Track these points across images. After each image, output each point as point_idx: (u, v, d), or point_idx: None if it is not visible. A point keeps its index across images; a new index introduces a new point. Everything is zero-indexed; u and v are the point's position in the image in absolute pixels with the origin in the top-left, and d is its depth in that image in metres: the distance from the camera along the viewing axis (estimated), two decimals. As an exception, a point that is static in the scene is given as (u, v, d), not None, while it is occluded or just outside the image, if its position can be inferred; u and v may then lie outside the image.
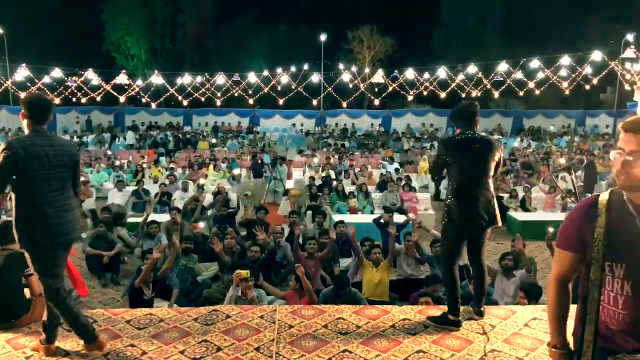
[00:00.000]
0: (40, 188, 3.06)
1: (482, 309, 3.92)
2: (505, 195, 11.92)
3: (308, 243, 6.70)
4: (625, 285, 1.88)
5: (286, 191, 12.23)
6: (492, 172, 3.74)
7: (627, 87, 21.25)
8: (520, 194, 11.96)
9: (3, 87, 23.06)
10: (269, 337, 3.58)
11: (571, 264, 2.01)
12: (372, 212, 10.99)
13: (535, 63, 21.16)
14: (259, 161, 14.88)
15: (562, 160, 15.24)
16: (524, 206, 11.61)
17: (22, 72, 22.70)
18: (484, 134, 3.96)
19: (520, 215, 10.81)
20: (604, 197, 1.92)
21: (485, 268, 3.98)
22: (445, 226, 3.79)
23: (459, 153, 3.66)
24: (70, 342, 3.44)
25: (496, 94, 23.73)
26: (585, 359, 1.88)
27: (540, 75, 21.87)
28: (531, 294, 4.99)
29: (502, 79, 22.35)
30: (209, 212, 9.27)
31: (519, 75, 21.87)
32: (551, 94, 25.94)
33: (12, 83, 23.49)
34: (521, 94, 24.04)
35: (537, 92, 22.80)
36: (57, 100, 24.57)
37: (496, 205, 3.77)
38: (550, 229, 5.96)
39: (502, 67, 21.57)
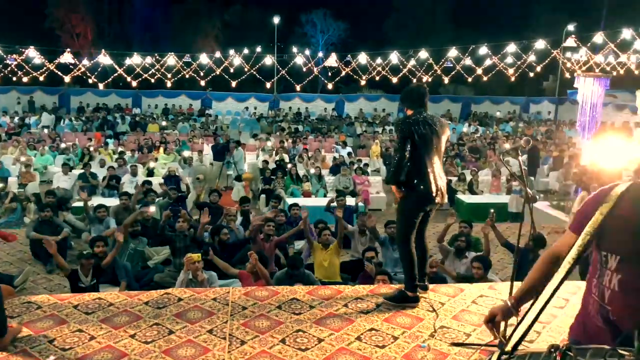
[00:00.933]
0: None
1: (426, 284, 4.08)
2: (454, 179, 12.27)
3: (267, 225, 6.71)
4: (614, 278, 1.86)
5: (239, 176, 12.12)
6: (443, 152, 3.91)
7: (567, 75, 22.14)
8: (468, 177, 12.33)
9: None
10: (222, 319, 3.56)
11: (569, 244, 1.98)
12: (325, 196, 11.09)
13: (483, 50, 21.70)
14: (220, 143, 14.34)
15: (507, 145, 15.81)
16: (472, 189, 11.99)
17: (-44, 49, 21.33)
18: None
19: (467, 198, 11.17)
20: (620, 188, 1.92)
21: (427, 246, 4.11)
22: (404, 203, 3.85)
23: (421, 132, 3.70)
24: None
25: (446, 80, 24.23)
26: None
27: (488, 62, 22.47)
28: (486, 264, 5.37)
29: (451, 65, 22.81)
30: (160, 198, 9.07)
31: (468, 61, 22.38)
32: (498, 81, 26.76)
33: (-55, 60, 22.03)
34: (470, 80, 24.63)
35: (485, 78, 23.43)
36: (-5, 79, 23.31)
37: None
38: (491, 210, 6.30)
39: (452, 53, 22.00)
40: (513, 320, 2.04)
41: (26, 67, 23.05)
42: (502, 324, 2.17)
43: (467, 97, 30.63)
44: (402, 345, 3.27)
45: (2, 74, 23.57)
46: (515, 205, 10.35)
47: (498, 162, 13.82)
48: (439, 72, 23.12)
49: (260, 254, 5.53)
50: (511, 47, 20.95)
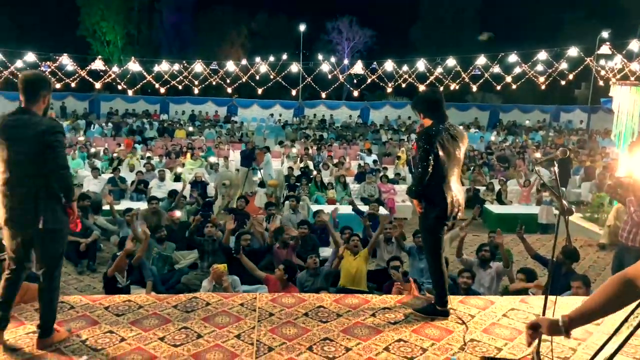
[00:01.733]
0: None
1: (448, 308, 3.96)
2: (482, 188, 12.09)
3: (285, 233, 6.74)
4: None
5: (262, 182, 12.13)
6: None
7: (601, 83, 21.66)
8: (497, 187, 12.14)
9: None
10: (249, 324, 3.56)
11: None
12: (350, 204, 11.03)
13: (512, 58, 21.39)
14: (247, 149, 14.25)
15: (538, 155, 15.55)
16: (500, 199, 11.79)
17: (-6, 57, 22.04)
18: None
19: (496, 208, 10.99)
20: None
21: (445, 259, 4.06)
22: (425, 220, 3.75)
23: (444, 145, 3.56)
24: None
25: (474, 88, 23.97)
26: None
27: (517, 69, 22.15)
28: (531, 275, 5.35)
29: (479, 72, 22.57)
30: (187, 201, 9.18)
31: (496, 69, 22.11)
32: (527, 89, 26.33)
33: (-17, 67, 22.78)
34: (498, 88, 24.31)
35: (514, 86, 23.09)
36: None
37: None
38: (520, 223, 6.20)
39: (480, 61, 21.76)
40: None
41: (59, 73, 23.68)
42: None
43: (495, 105, 30.19)
44: (431, 358, 3.22)
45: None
46: (546, 217, 10.14)
47: (527, 172, 13.59)
48: (466, 79, 22.91)
49: (289, 264, 5.53)
50: (542, 55, 20.61)
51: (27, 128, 2.98)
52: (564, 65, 21.24)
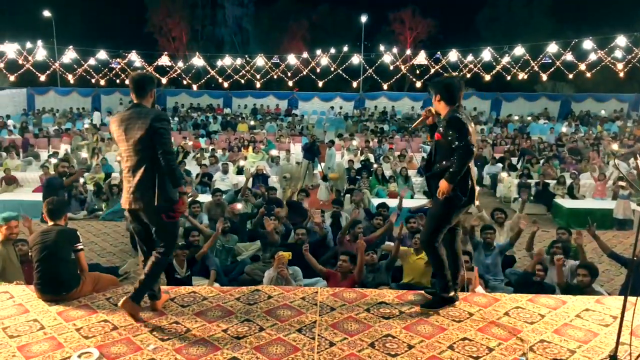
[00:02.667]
0: None
1: (457, 294, 3.85)
2: (552, 182, 11.54)
3: (357, 227, 6.65)
4: None
5: (325, 176, 12.16)
6: None
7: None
8: (568, 181, 11.55)
9: (51, 69, 23.77)
10: (311, 319, 3.55)
11: None
12: (412, 197, 10.84)
13: (587, 44, 20.13)
14: (310, 143, 14.29)
15: (615, 147, 14.63)
16: (572, 193, 11.21)
17: (69, 55, 23.33)
18: None
19: (567, 203, 10.45)
20: None
21: (460, 252, 3.95)
22: (445, 206, 3.60)
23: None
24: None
25: (544, 77, 22.82)
26: None
27: (592, 57, 20.88)
28: (593, 271, 4.97)
29: (550, 61, 21.47)
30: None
31: (568, 57, 20.93)
32: (602, 77, 24.75)
33: (60, 65, 24.18)
34: (570, 76, 23.00)
35: (588, 74, 21.78)
36: (102, 82, 25.21)
37: None
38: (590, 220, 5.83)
39: (552, 48, 20.67)
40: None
41: (128, 69, 24.77)
42: None
43: (566, 95, 28.62)
44: (498, 358, 3.08)
45: (107, 77, 25.49)
46: (623, 212, 9.54)
47: (602, 165, 12.84)
48: (536, 68, 21.87)
49: (350, 254, 5.46)
50: (620, 40, 19.30)
51: (139, 118, 3.36)
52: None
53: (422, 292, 4.09)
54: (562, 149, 15.66)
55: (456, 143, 3.46)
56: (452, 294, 3.75)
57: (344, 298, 3.90)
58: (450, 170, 3.46)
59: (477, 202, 3.70)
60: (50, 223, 4.00)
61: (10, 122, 21.57)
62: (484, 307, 3.78)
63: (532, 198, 11.17)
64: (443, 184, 3.49)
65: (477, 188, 3.67)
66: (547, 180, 11.54)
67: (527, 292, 4.43)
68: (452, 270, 3.80)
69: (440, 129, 3.61)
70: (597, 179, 11.39)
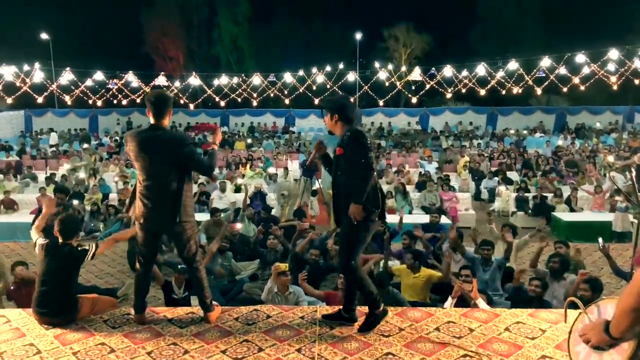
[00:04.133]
0: None
1: (353, 315, 3.75)
2: (550, 195, 11.55)
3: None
4: None
5: (314, 190, 12.07)
6: None
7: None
8: (566, 194, 11.56)
9: (49, 90, 23.86)
10: (310, 338, 3.51)
11: None
12: (410, 213, 10.83)
13: (580, 58, 20.34)
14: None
15: (611, 158, 14.67)
16: (570, 205, 11.21)
17: (67, 76, 23.46)
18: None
19: (566, 216, 10.45)
20: None
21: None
22: (361, 226, 3.46)
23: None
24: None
25: (539, 91, 22.99)
26: None
27: (586, 70, 21.07)
28: (596, 285, 4.87)
29: (544, 74, 21.65)
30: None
31: (562, 70, 21.12)
32: (597, 90, 24.94)
33: (57, 86, 24.29)
34: (565, 90, 23.19)
35: (582, 87, 21.96)
36: (99, 103, 25.32)
37: None
38: (600, 239, 5.77)
39: (545, 62, 20.86)
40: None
41: (125, 90, 24.91)
42: None
43: (561, 108, 28.79)
44: (502, 376, 3.05)
45: (104, 98, 25.61)
46: (621, 225, 9.54)
47: (599, 177, 12.87)
48: (530, 82, 22.05)
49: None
50: (613, 53, 19.50)
51: (162, 142, 3.49)
52: (637, 64, 19.98)
53: (422, 308, 4.06)
54: (559, 161, 15.69)
55: (357, 159, 3.37)
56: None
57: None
58: (356, 191, 3.37)
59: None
60: (61, 241, 3.87)
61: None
62: (484, 323, 3.76)
63: (530, 211, 11.18)
64: (353, 208, 3.37)
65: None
66: (544, 194, 11.56)
67: (524, 307, 4.41)
68: (350, 293, 3.74)
69: (342, 143, 3.49)
70: (595, 191, 11.42)
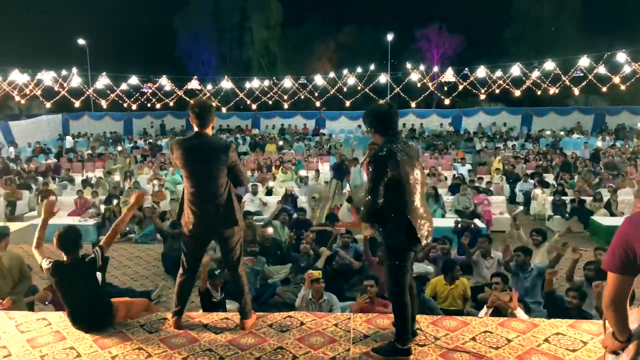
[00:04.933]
0: None
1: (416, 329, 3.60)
2: (588, 199, 11.21)
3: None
4: None
5: (350, 197, 12.02)
6: None
7: None
8: (605, 197, 11.21)
9: (85, 94, 24.53)
10: (344, 346, 3.48)
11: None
12: (443, 216, 10.68)
13: (620, 56, 19.71)
14: (339, 162, 14.22)
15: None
16: (610, 210, 10.86)
17: (102, 80, 24.08)
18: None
19: (605, 220, 10.12)
20: None
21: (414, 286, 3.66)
22: (393, 244, 3.31)
23: (401, 164, 3.19)
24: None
25: (576, 91, 22.36)
26: None
27: (627, 69, 20.41)
28: (582, 293, 4.87)
29: (582, 74, 21.07)
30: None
31: (601, 70, 20.51)
32: (638, 89, 24.08)
33: (93, 91, 24.95)
34: (604, 89, 22.48)
35: (623, 87, 21.27)
36: (133, 106, 25.89)
37: None
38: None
39: (583, 62, 20.29)
40: None
41: (159, 94, 25.40)
42: None
43: (600, 108, 27.89)
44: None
45: (139, 101, 26.17)
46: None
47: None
48: (567, 82, 21.49)
49: (375, 278, 5.34)
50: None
51: (209, 148, 3.58)
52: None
53: (457, 317, 3.99)
54: (598, 164, 15.23)
55: (367, 182, 3.27)
56: (407, 346, 3.36)
57: (378, 325, 3.82)
58: (362, 210, 3.31)
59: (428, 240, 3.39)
60: (65, 257, 3.80)
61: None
62: (522, 333, 3.65)
63: (567, 215, 10.88)
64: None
65: (427, 226, 3.34)
66: (582, 197, 11.23)
67: (561, 316, 4.28)
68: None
69: (368, 159, 3.32)
70: (636, 195, 11.03)
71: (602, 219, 10.26)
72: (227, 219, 3.63)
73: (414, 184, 3.26)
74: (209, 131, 3.68)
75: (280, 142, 23.13)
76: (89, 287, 3.74)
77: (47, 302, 5.41)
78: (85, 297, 3.74)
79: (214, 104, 3.80)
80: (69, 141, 24.24)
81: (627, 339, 1.99)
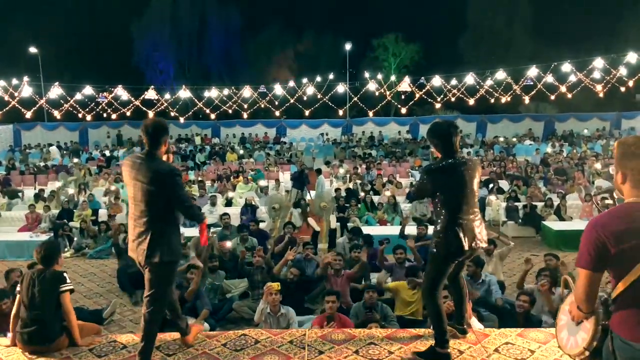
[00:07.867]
0: None
1: (465, 327, 3.86)
2: (539, 204, 11.60)
3: (334, 259, 6.62)
4: None
5: (296, 202, 11.99)
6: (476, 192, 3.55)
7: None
8: (555, 202, 11.61)
9: (38, 105, 23.72)
10: (299, 364, 3.49)
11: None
12: (401, 224, 10.80)
13: (567, 67, 20.59)
14: (298, 171, 14.17)
15: (598, 166, 14.78)
16: (559, 214, 11.26)
17: (55, 90, 23.34)
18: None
19: (555, 225, 10.49)
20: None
21: (464, 283, 3.88)
22: (439, 252, 3.46)
23: (453, 177, 3.41)
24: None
25: (526, 99, 23.20)
26: None
27: (573, 78, 21.33)
28: (533, 298, 5.16)
29: (532, 83, 21.86)
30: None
31: (549, 79, 21.36)
32: (584, 97, 25.16)
33: (46, 101, 24.17)
34: (552, 97, 23.41)
35: (570, 95, 22.19)
36: (88, 117, 25.21)
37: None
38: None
39: (532, 71, 21.08)
40: None
41: (115, 104, 24.85)
42: None
43: (550, 115, 29.00)
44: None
45: (94, 112, 25.51)
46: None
47: (588, 185, 12.96)
48: (518, 91, 22.25)
49: (336, 293, 5.38)
50: (598, 62, 19.77)
51: (151, 171, 3.35)
52: (623, 72, 20.24)
53: (412, 330, 4.05)
54: (548, 169, 15.77)
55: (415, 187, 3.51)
56: (447, 350, 3.53)
57: (332, 340, 3.85)
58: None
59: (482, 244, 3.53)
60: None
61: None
62: (473, 345, 3.75)
63: (520, 221, 11.22)
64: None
65: (476, 236, 3.46)
66: (534, 203, 11.60)
67: (512, 323, 4.41)
68: (457, 301, 3.87)
69: None
70: (584, 199, 11.47)
71: (552, 223, 10.63)
72: (151, 252, 3.31)
73: (462, 197, 3.41)
74: (161, 152, 3.49)
75: (241, 151, 22.94)
76: (48, 300, 3.71)
77: None
78: (44, 310, 3.69)
79: (166, 125, 3.58)
80: (53, 152, 22.99)
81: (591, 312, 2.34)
